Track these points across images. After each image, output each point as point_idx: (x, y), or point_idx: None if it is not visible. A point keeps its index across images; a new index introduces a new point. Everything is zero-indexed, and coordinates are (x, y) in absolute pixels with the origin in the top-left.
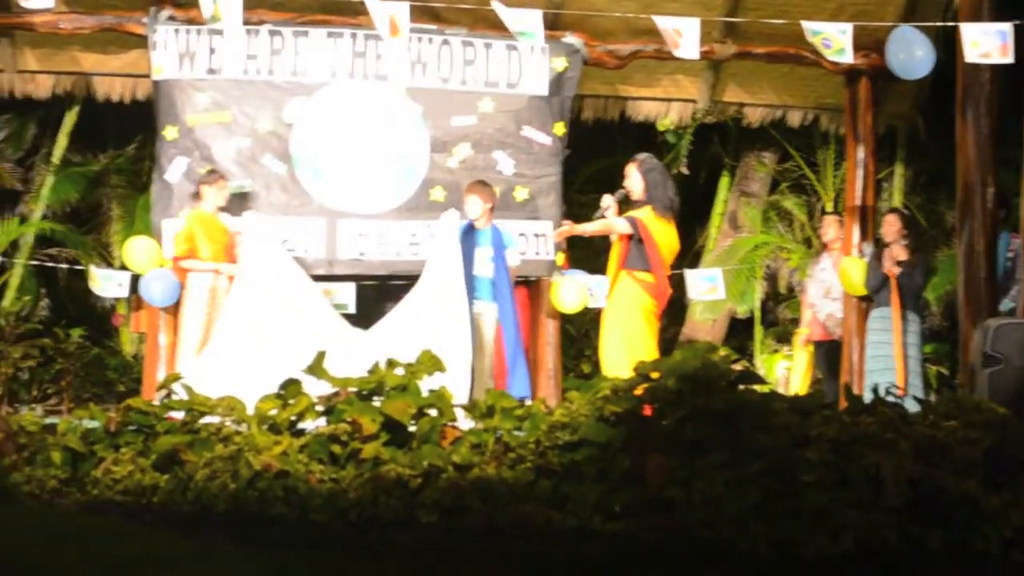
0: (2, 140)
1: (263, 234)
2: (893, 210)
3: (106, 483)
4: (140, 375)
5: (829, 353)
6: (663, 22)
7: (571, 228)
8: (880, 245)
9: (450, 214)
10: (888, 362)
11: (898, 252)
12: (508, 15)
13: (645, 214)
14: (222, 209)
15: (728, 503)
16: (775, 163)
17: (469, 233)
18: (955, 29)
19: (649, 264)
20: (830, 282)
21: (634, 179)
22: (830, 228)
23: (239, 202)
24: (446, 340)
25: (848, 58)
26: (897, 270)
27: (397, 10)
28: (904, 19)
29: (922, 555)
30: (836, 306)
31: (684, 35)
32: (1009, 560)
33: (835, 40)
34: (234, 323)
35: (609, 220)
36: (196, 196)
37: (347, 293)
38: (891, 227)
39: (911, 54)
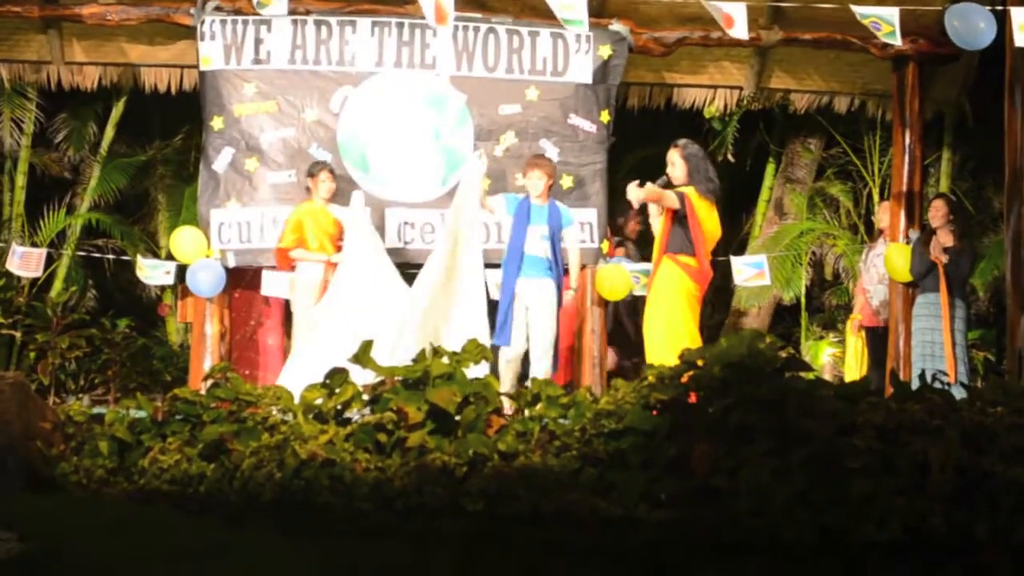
0: (62, 139)
1: (362, 221)
2: (940, 195)
3: (153, 472)
4: (186, 365)
5: (880, 339)
6: (711, 6)
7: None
8: (926, 231)
9: (473, 159)
10: (934, 348)
11: (944, 238)
12: (554, 2)
13: (690, 192)
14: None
15: (774, 491)
16: (821, 150)
17: (523, 209)
18: (1003, 14)
19: (692, 247)
20: (885, 268)
21: (677, 164)
22: (886, 214)
23: (285, 191)
24: (463, 296)
25: (898, 40)
26: (945, 258)
27: None
28: (953, 3)
29: (969, 542)
30: None
31: (733, 18)
32: None
33: (884, 23)
34: (324, 315)
35: (661, 190)
36: (308, 190)
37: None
38: (938, 212)
39: (973, 25)
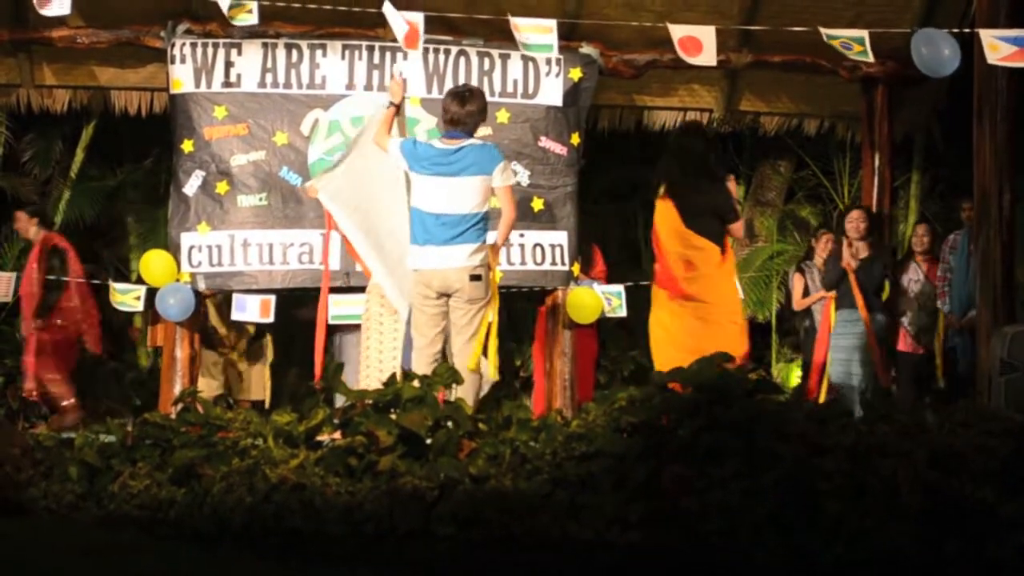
0: (28, 159)
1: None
2: (858, 207)
3: (123, 497)
4: (156, 389)
5: None
6: (679, 31)
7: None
8: (841, 241)
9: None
10: (850, 366)
11: (860, 249)
12: (519, 32)
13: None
14: None
15: (745, 513)
16: (790, 172)
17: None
18: (971, 37)
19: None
20: None
21: None
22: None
23: (256, 214)
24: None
25: (870, 57)
26: (855, 263)
27: (414, 21)
28: (922, 27)
29: (938, 563)
30: None
31: (702, 43)
32: None
33: (855, 43)
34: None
35: None
36: None
37: (361, 305)
38: (858, 224)
39: (938, 52)
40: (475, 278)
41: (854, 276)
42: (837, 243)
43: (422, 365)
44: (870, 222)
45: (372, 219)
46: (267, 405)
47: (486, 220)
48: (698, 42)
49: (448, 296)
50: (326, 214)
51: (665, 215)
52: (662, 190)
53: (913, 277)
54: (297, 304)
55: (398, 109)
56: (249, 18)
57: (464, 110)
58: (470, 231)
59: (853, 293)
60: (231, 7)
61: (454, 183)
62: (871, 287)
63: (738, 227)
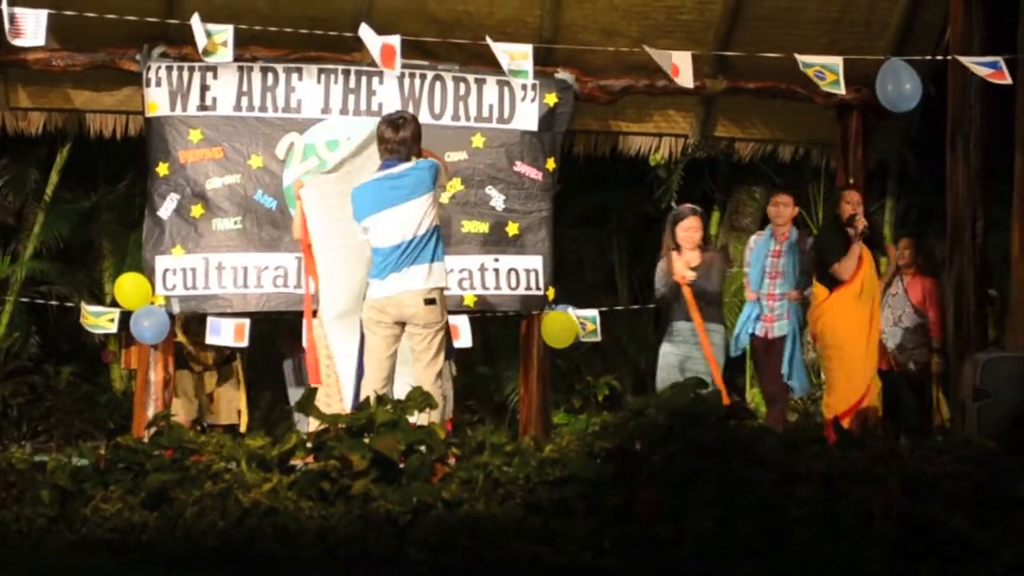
0: (3, 184)
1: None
2: (694, 212)
3: (95, 521)
4: (130, 412)
5: None
6: (657, 54)
7: None
8: (671, 249)
9: None
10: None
11: (691, 258)
12: (502, 53)
13: None
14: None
15: (718, 538)
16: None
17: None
18: (946, 64)
19: None
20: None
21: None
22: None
23: (230, 238)
24: None
25: (842, 89)
26: (691, 276)
27: (391, 41)
28: (896, 54)
29: None
30: None
31: (679, 67)
32: None
33: (828, 72)
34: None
35: None
36: None
37: None
38: (693, 234)
39: (899, 87)
40: (429, 302)
41: (689, 288)
42: (665, 259)
43: (371, 387)
44: (705, 231)
45: (343, 239)
46: (242, 430)
47: (438, 234)
48: (674, 67)
49: (403, 325)
50: (300, 220)
51: None
52: None
53: (892, 291)
54: (273, 328)
55: None
56: (223, 52)
57: (398, 136)
58: (425, 250)
59: (687, 305)
60: (205, 38)
61: (401, 211)
62: (711, 296)
63: (839, 268)
